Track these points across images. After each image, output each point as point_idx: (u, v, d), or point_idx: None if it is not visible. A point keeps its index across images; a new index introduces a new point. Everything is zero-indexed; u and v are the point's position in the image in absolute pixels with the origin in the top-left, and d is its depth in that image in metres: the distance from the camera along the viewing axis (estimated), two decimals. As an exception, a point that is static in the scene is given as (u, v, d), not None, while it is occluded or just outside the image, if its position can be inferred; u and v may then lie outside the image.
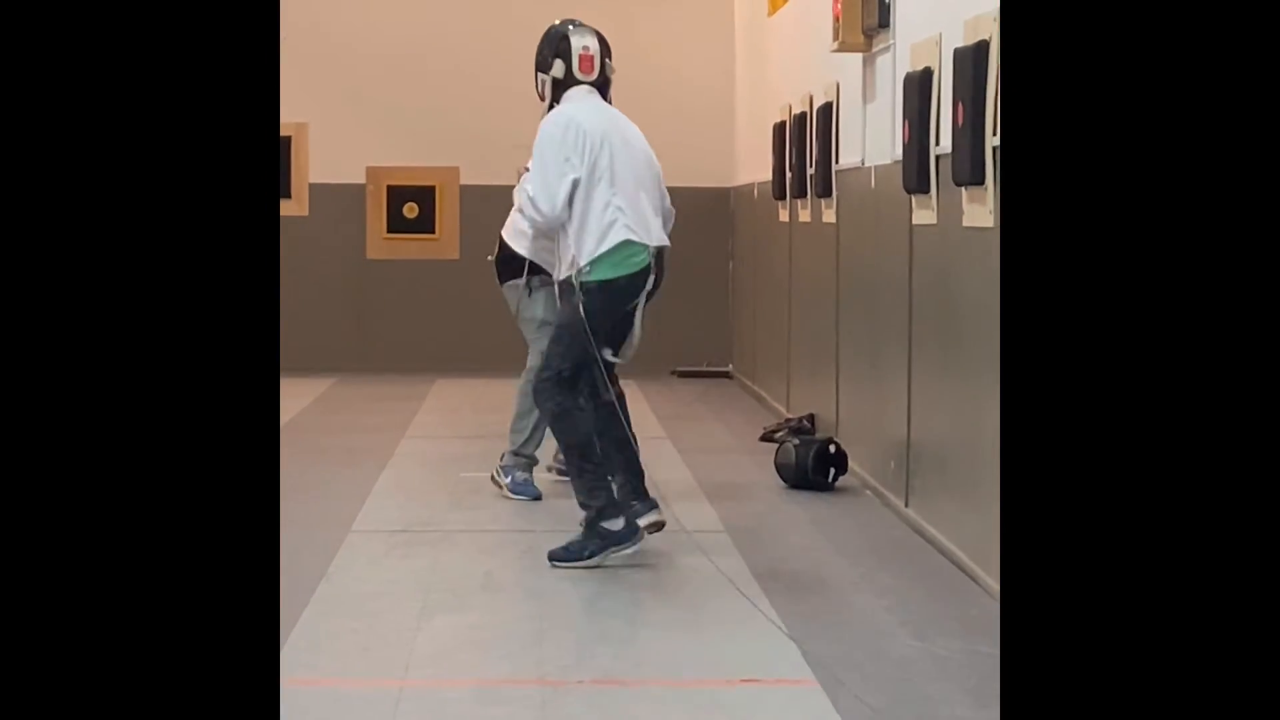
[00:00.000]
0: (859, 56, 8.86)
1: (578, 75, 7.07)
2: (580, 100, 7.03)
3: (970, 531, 6.77)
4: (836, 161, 9.62)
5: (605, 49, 7.16)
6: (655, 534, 7.20)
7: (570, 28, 7.15)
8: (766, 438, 10.25)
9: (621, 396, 7.33)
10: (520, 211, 7.02)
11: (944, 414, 7.24)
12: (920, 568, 6.96)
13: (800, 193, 10.68)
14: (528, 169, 7.51)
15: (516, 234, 8.40)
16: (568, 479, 8.22)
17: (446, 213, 14.73)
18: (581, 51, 7.07)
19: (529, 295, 8.34)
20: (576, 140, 6.85)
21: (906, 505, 7.84)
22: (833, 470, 8.76)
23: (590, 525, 6.84)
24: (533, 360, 8.24)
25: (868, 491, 8.60)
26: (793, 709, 5.17)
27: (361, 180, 14.67)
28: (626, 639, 5.90)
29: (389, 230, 14.74)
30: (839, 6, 8.68)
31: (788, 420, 10.58)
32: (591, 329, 6.81)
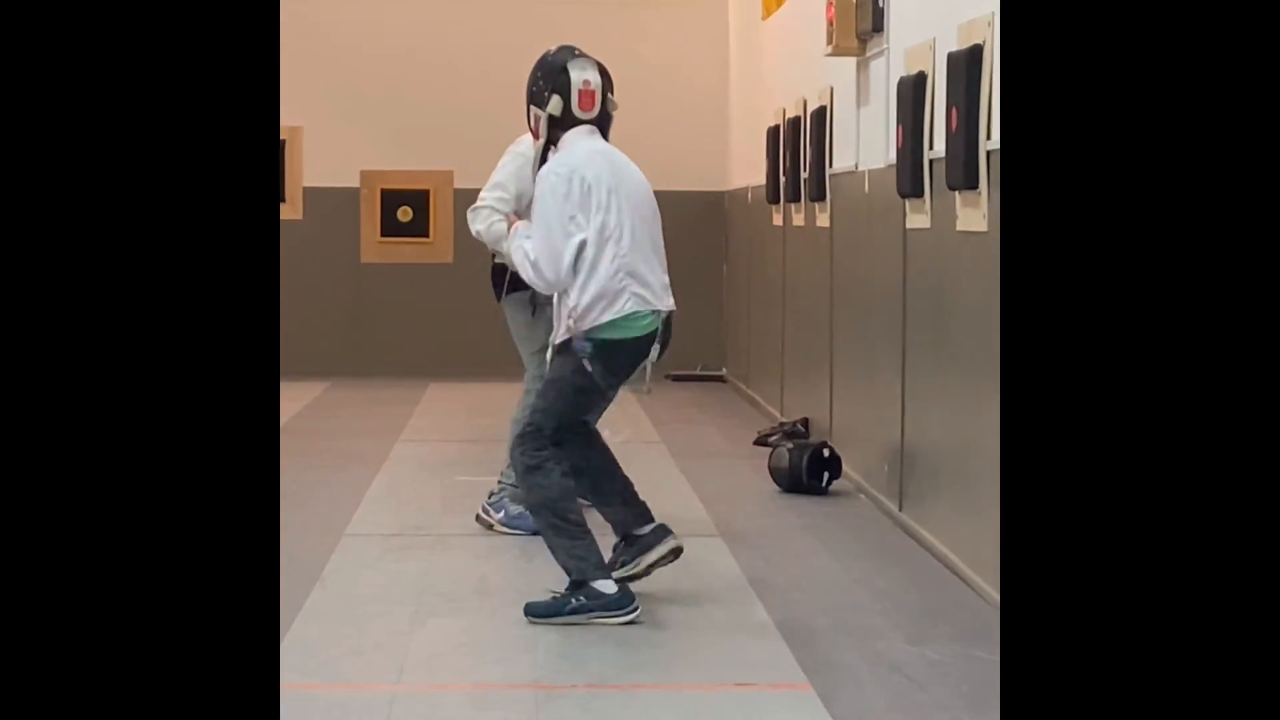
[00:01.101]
0: (853, 60, 8.87)
1: (577, 113, 6.29)
2: (581, 143, 6.28)
3: (964, 535, 6.77)
4: (830, 165, 9.62)
5: (607, 82, 6.39)
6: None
7: (570, 59, 6.36)
8: (760, 442, 10.26)
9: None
10: (524, 267, 6.25)
11: (937, 418, 7.24)
12: (914, 572, 6.96)
13: (794, 197, 10.69)
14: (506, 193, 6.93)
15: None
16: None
17: (440, 216, 14.73)
18: (582, 87, 6.29)
19: (533, 315, 7.71)
20: (583, 196, 6.13)
21: (900, 509, 7.84)
22: (826, 474, 8.77)
23: (577, 585, 6.14)
24: (528, 384, 7.73)
25: (861, 495, 8.60)
26: (786, 713, 5.17)
27: (355, 184, 14.67)
28: (620, 643, 5.89)
29: (383, 234, 14.74)
30: (833, 11, 8.68)
31: (782, 424, 10.58)
32: (583, 389, 6.24)
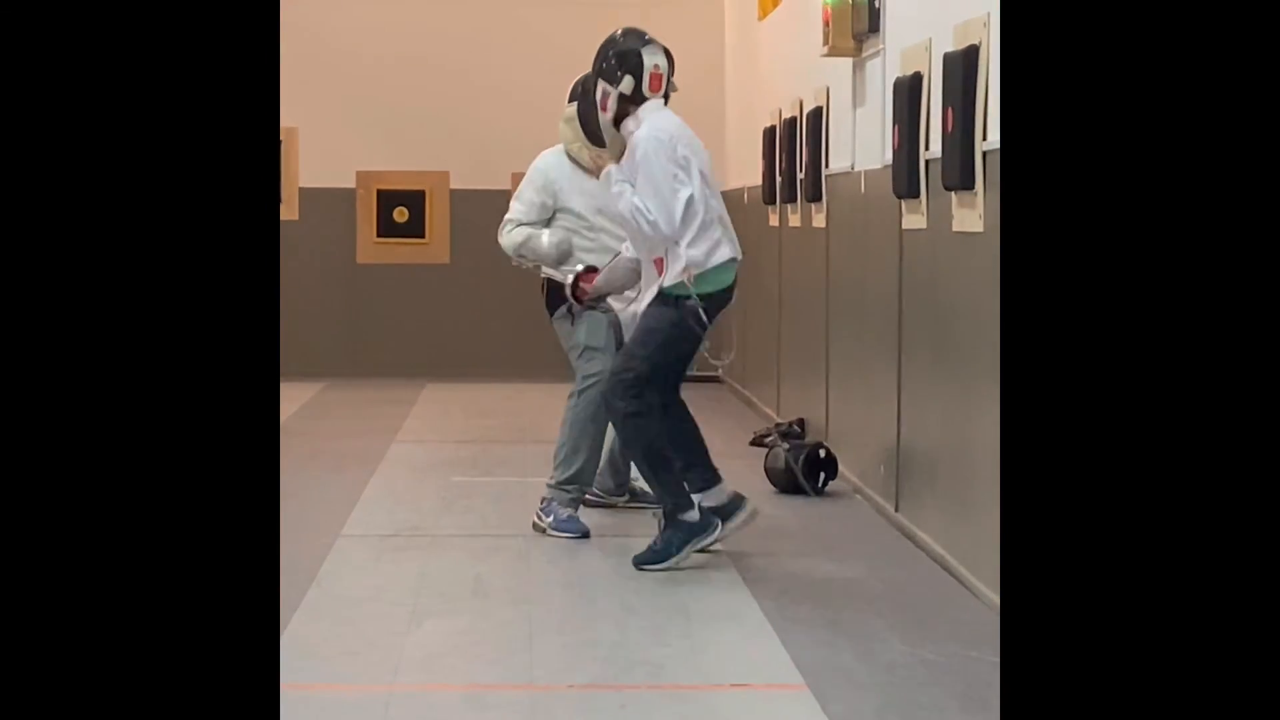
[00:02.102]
0: (849, 61, 8.87)
1: (645, 93, 7.05)
2: (663, 115, 7.04)
3: (960, 536, 6.77)
4: (826, 166, 9.62)
5: (671, 67, 7.18)
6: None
7: (642, 45, 7.14)
8: (756, 442, 10.25)
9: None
10: (637, 221, 6.84)
11: (934, 418, 7.24)
12: (910, 572, 6.95)
13: (790, 197, 10.68)
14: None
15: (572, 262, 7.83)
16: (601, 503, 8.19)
17: (437, 217, 14.73)
18: (653, 70, 7.08)
19: (571, 324, 7.82)
20: (682, 157, 6.91)
21: (896, 510, 7.84)
22: (822, 475, 8.76)
23: (669, 518, 6.94)
24: (578, 386, 7.80)
25: (857, 496, 8.60)
26: (782, 714, 5.17)
27: (351, 184, 14.66)
28: (616, 644, 5.89)
29: (379, 234, 14.73)
30: (829, 11, 8.68)
31: (778, 425, 10.57)
32: (677, 338, 6.93)
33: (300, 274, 14.06)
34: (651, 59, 7.11)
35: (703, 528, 6.96)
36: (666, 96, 7.14)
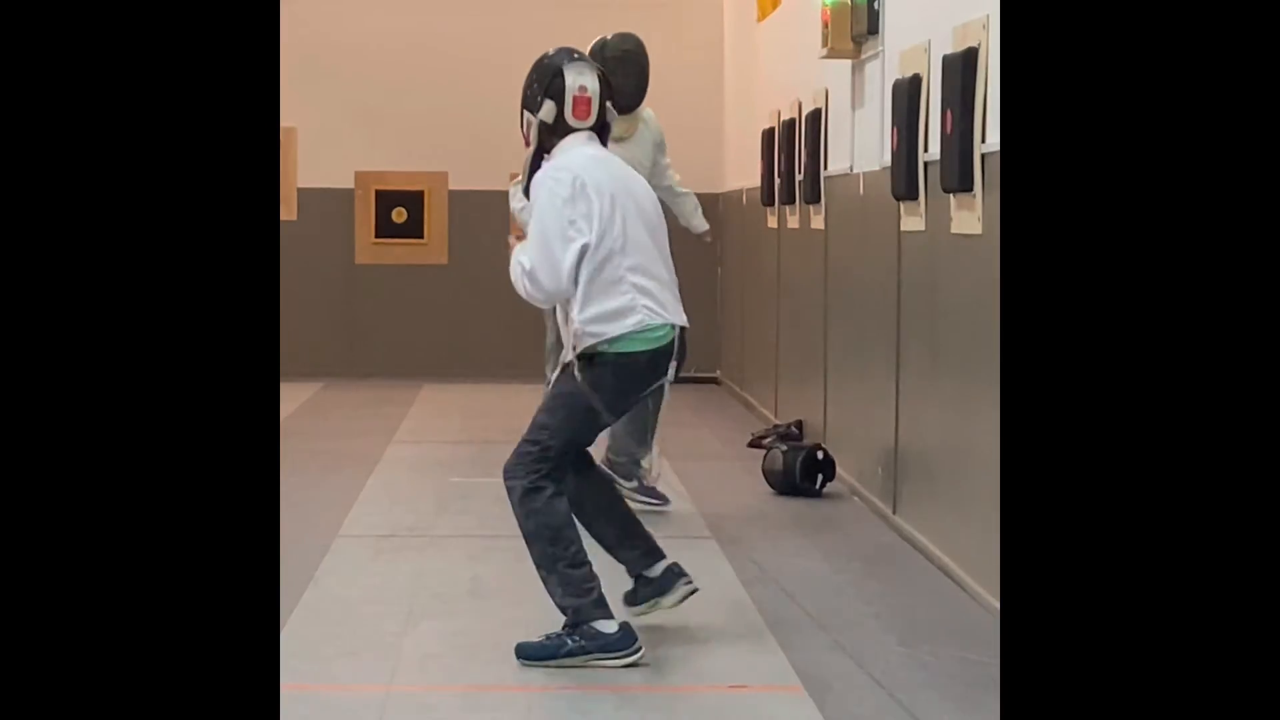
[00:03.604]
0: (848, 63, 8.87)
1: (570, 121, 5.77)
2: (578, 149, 5.77)
3: (958, 538, 6.77)
4: (825, 168, 9.63)
5: (606, 89, 5.85)
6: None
7: (566, 62, 5.83)
8: (754, 444, 10.25)
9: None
10: (519, 281, 5.74)
11: (932, 420, 7.24)
12: (907, 574, 6.96)
13: (789, 199, 10.69)
14: (516, 179, 6.56)
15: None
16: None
17: (435, 218, 14.72)
18: (577, 93, 5.76)
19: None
20: (584, 200, 5.62)
21: (894, 512, 7.84)
22: (820, 476, 8.76)
23: (574, 625, 5.61)
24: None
25: (855, 498, 8.60)
26: (779, 715, 5.17)
27: (350, 185, 14.66)
28: (613, 645, 5.88)
29: (377, 235, 14.73)
30: (828, 13, 8.68)
31: (775, 426, 10.58)
32: (593, 408, 5.69)
33: (298, 274, 14.05)
34: (576, 79, 5.77)
35: (619, 645, 5.54)
36: (604, 126, 5.87)
